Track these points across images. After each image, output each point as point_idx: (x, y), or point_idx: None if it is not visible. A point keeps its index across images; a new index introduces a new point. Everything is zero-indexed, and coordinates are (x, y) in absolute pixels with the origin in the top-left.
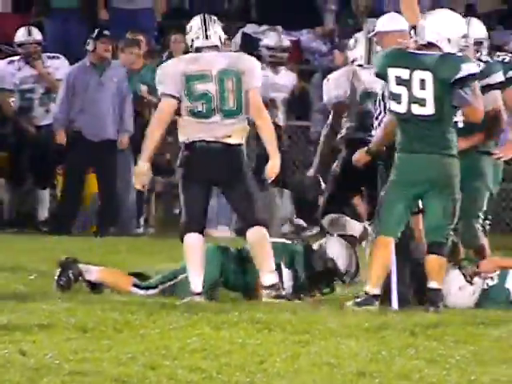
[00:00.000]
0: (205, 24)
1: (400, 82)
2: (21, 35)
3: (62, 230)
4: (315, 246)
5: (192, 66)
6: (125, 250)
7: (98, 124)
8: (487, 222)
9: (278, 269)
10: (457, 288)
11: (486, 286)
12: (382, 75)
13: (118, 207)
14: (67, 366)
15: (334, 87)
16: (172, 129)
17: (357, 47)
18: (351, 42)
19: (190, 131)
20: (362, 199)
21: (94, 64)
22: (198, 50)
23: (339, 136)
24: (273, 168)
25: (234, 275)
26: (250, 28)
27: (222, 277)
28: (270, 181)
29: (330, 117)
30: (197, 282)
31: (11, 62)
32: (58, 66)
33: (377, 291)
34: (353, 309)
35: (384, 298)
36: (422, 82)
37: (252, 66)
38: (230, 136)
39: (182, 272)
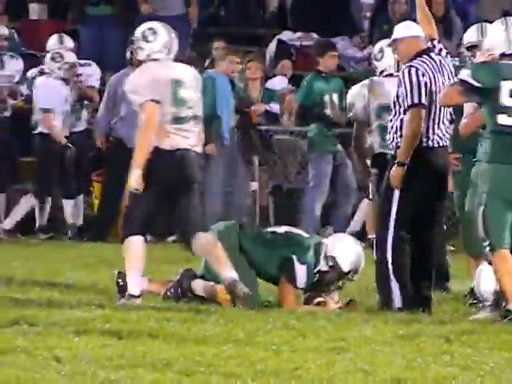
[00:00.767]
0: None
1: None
2: (53, 43)
3: (100, 237)
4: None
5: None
6: (159, 257)
7: (130, 131)
8: None
9: (290, 262)
10: None
11: None
12: (487, 89)
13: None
14: (102, 372)
15: (350, 101)
16: None
17: (384, 57)
18: (375, 51)
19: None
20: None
21: None
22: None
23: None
24: None
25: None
26: (285, 35)
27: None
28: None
29: (354, 130)
30: (135, 285)
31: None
32: (90, 73)
33: None
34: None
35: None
36: None
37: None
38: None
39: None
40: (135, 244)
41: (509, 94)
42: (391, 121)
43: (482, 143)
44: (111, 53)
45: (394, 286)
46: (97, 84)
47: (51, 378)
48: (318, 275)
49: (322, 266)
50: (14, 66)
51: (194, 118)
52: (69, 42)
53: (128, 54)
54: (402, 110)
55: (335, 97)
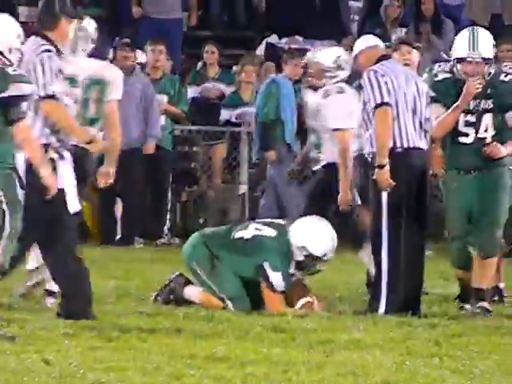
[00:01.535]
0: None
1: None
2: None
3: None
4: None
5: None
6: (149, 260)
7: (123, 131)
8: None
9: (263, 270)
10: None
11: None
12: None
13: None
14: (91, 375)
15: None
16: (197, 139)
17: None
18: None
19: None
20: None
21: None
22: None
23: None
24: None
25: None
26: (273, 38)
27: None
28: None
29: None
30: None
31: None
32: None
33: None
34: None
35: (371, 302)
36: None
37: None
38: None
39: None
40: None
41: None
42: (366, 131)
43: None
44: (99, 54)
45: (384, 291)
46: None
47: (40, 381)
48: (295, 269)
49: (297, 257)
50: None
51: None
52: None
53: (111, 56)
54: (371, 115)
55: None
